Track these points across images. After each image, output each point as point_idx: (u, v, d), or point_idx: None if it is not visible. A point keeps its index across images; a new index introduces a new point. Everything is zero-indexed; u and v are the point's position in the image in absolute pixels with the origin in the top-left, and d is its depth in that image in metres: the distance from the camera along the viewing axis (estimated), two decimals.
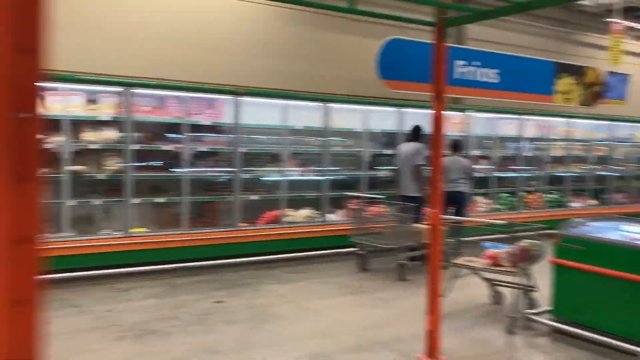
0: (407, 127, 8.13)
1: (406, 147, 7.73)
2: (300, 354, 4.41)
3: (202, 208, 7.55)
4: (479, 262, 5.45)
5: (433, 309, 4.35)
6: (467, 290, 6.13)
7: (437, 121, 4.33)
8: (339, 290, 6.36)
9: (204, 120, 7.24)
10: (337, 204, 8.33)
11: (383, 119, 8.83)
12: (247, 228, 7.51)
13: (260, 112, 7.62)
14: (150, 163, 7.10)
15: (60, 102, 6.33)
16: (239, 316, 5.31)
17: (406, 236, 6.93)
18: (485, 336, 4.93)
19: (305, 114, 8.02)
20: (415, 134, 7.79)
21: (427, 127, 8.76)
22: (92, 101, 6.60)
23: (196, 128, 7.26)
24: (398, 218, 7.18)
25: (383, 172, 8.84)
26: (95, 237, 6.50)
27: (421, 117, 7.92)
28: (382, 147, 8.95)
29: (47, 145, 6.19)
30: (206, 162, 7.43)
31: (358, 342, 4.69)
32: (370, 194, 8.03)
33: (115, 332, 4.78)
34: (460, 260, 5.64)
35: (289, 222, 7.86)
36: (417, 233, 6.88)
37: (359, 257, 7.38)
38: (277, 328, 5.01)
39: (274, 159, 7.91)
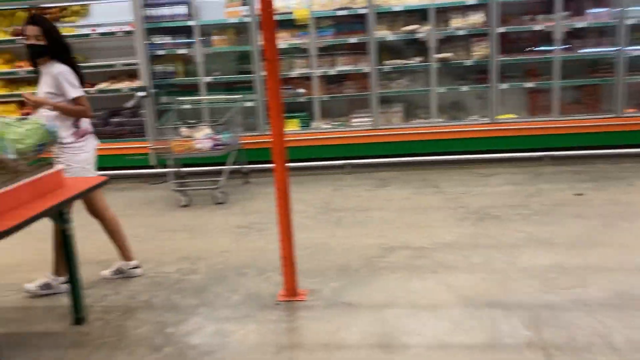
0: None
1: None
2: None
3: (577, 92, 6.82)
4: None
5: None
6: None
7: None
8: None
9: None
10: None
11: None
12: (632, 115, 6.46)
13: None
14: (522, 46, 6.73)
15: None
16: (594, 211, 4.78)
17: None
18: None
19: None
20: None
21: None
22: None
23: (572, 2, 6.44)
24: None
25: None
26: (462, 123, 6.69)
27: None
28: None
29: (417, 35, 6.55)
30: (583, 40, 6.58)
31: None
32: None
33: (460, 213, 4.98)
34: None
35: None
36: None
37: None
38: (634, 228, 4.33)
39: None
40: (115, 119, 7.10)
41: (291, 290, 3.54)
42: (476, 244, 4.26)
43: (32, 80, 7.50)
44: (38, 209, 2.81)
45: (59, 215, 3.18)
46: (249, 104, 6.78)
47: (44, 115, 2.96)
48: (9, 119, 3.07)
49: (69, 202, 3.09)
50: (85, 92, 7.23)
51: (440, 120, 6.76)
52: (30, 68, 7.36)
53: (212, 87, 6.97)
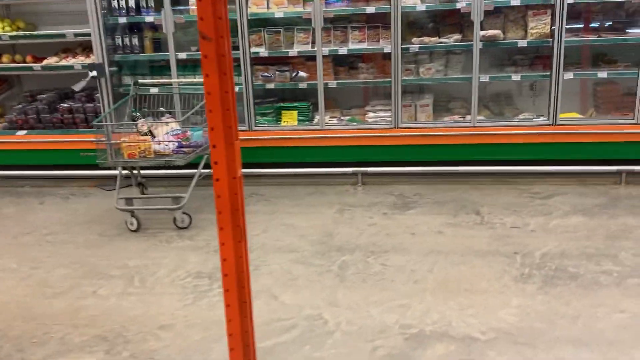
0: None
1: None
2: None
3: None
4: None
5: None
6: None
7: None
8: None
9: None
10: None
11: None
12: None
13: None
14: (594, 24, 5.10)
15: None
16: None
17: None
18: None
19: None
20: None
21: None
22: None
23: None
24: None
25: None
26: (510, 124, 5.07)
27: None
28: None
29: (456, 4, 4.90)
30: None
31: None
32: None
33: (518, 266, 3.42)
34: None
35: None
36: None
37: None
38: None
39: None
40: (65, 105, 5.56)
41: None
42: (554, 335, 2.72)
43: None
44: None
45: None
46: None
47: None
48: None
49: None
50: (29, 68, 5.86)
51: (482, 118, 5.16)
52: None
53: (187, 65, 5.40)
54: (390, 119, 5.14)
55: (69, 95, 5.75)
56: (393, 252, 3.69)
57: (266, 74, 5.32)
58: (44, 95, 5.70)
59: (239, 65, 5.13)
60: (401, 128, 5.11)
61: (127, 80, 5.49)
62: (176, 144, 4.49)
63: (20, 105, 5.68)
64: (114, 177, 5.25)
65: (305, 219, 4.31)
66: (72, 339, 2.83)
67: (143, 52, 5.44)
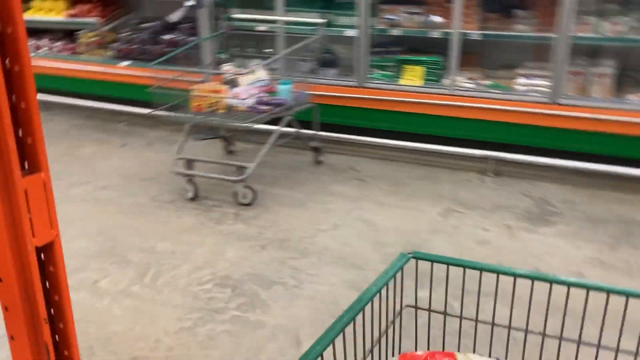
0: None
1: None
2: None
3: None
4: None
5: None
6: None
7: None
8: None
9: None
10: None
11: None
12: None
13: None
14: None
15: None
16: None
17: None
18: None
19: None
20: None
21: None
22: None
23: None
24: None
25: None
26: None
27: None
28: None
29: None
30: None
31: None
32: None
33: None
34: None
35: None
36: None
37: None
38: None
39: None
40: (167, 36, 4.97)
41: None
42: None
43: None
44: None
45: None
46: (348, 32, 4.19)
47: None
48: None
49: None
50: None
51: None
52: None
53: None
54: (548, 89, 3.74)
55: (172, 27, 5.14)
56: (498, 302, 2.51)
57: (391, 17, 4.17)
58: (149, 24, 5.16)
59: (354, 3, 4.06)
60: (561, 105, 3.69)
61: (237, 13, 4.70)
62: (255, 99, 3.63)
63: (127, 34, 5.22)
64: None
65: (394, 216, 3.25)
66: None
67: None
